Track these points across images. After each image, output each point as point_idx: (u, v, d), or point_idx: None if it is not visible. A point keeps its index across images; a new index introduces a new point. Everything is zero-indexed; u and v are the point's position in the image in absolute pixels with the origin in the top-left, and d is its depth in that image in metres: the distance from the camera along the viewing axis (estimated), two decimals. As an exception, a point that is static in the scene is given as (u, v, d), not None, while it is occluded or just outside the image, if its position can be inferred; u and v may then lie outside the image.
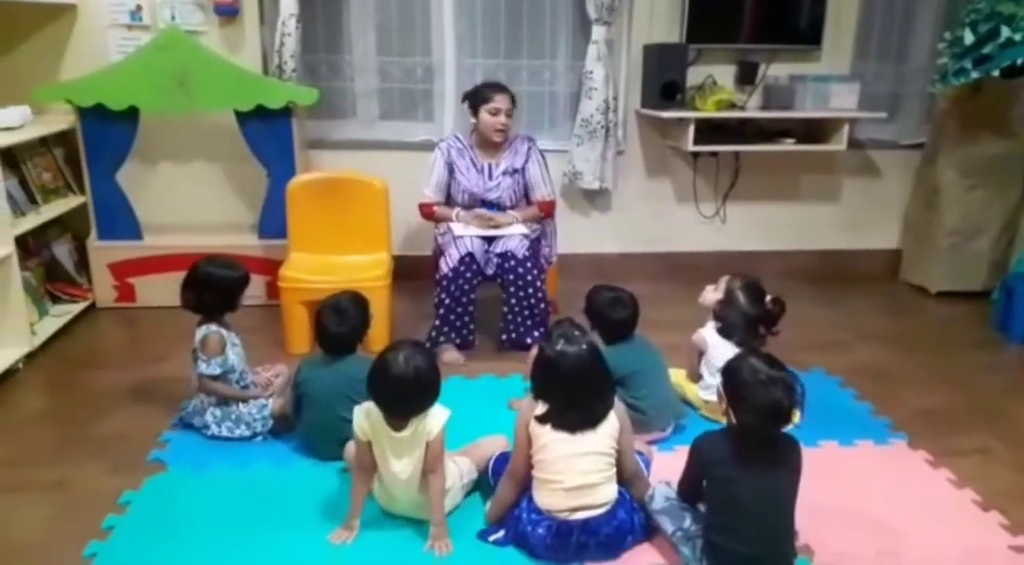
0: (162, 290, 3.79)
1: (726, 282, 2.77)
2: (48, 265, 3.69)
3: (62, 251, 3.81)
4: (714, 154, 4.19)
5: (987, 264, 4.08)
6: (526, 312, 3.27)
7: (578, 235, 4.23)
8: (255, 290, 3.77)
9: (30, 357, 3.20)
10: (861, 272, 4.45)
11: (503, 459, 2.21)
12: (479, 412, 2.68)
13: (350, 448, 2.27)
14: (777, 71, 4.13)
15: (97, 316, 3.75)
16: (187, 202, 4.00)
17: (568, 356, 1.98)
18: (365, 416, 2.07)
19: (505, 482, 2.12)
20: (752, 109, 4.12)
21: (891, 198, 4.46)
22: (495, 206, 3.43)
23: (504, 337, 3.32)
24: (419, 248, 4.02)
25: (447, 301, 3.21)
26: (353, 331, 2.46)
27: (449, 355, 3.24)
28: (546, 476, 2.00)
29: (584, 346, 2.00)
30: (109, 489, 2.32)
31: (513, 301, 3.25)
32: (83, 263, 3.85)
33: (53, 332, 3.42)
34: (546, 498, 2.00)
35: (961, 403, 2.96)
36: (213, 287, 2.56)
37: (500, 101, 3.31)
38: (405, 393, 2.01)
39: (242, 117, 3.65)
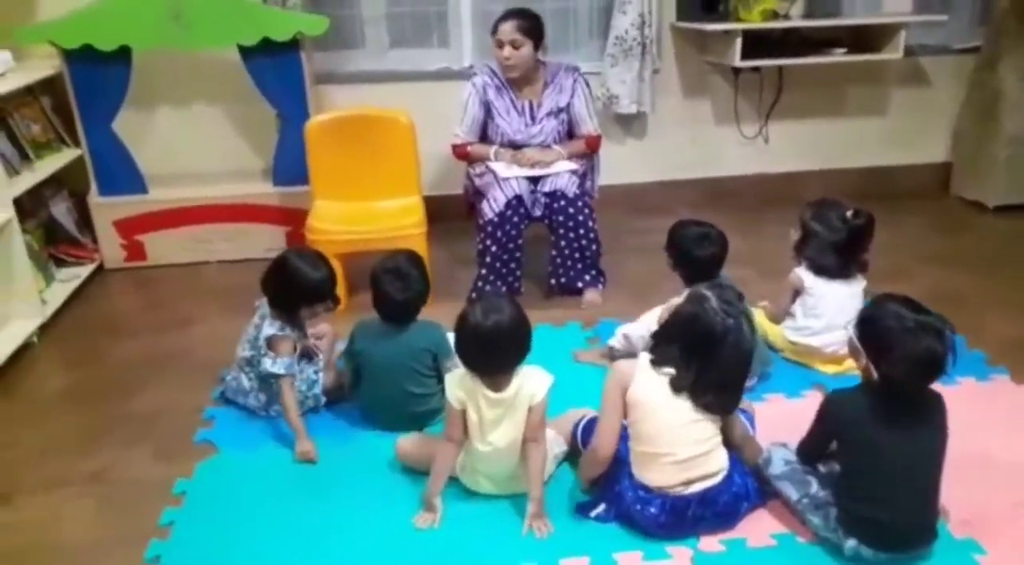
0: (175, 246, 3.53)
1: (799, 216, 2.54)
2: (47, 226, 3.40)
3: (60, 210, 3.50)
4: (756, 69, 3.88)
5: (1051, 174, 3.86)
6: (576, 254, 3.03)
7: (612, 164, 3.91)
8: (275, 242, 3.55)
9: (43, 329, 2.94)
10: (909, 188, 4.21)
11: (592, 426, 2.00)
12: (542, 366, 2.47)
13: (404, 445, 2.08)
14: (822, -26, 3.80)
15: (108, 278, 3.48)
16: (192, 149, 3.69)
17: (739, 342, 1.72)
18: (459, 383, 1.87)
19: (588, 458, 1.91)
20: (796, 17, 3.79)
21: (940, 108, 4.19)
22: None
23: (553, 282, 3.09)
24: (444, 187, 3.76)
25: (493, 248, 2.96)
26: (419, 296, 2.23)
27: (497, 305, 3.01)
28: (653, 450, 1.79)
29: (753, 335, 1.77)
30: (158, 478, 2.11)
31: (563, 243, 3.01)
32: (84, 221, 3.56)
33: (64, 299, 3.16)
34: (655, 474, 1.80)
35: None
36: (298, 285, 2.27)
37: (502, 32, 2.99)
38: (494, 348, 1.82)
39: (246, 52, 3.30)
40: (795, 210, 4.06)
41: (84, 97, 3.31)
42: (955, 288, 3.13)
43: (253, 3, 3.33)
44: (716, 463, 1.82)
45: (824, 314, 2.47)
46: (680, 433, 1.77)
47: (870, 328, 1.68)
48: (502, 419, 1.87)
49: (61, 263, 3.40)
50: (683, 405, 1.76)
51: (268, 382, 2.32)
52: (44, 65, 3.33)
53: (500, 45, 2.99)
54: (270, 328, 2.27)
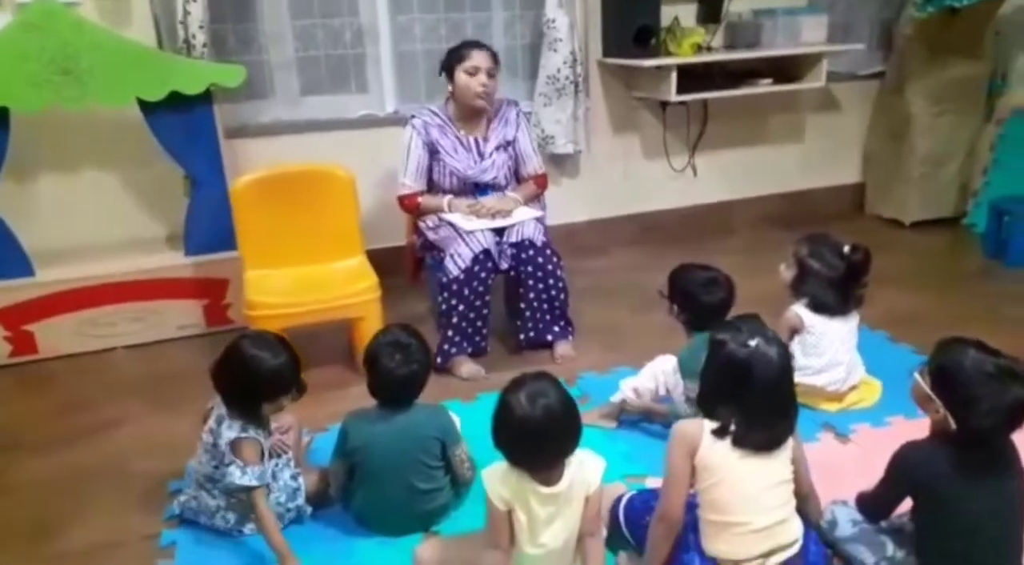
0: (71, 334, 3.06)
1: (793, 253, 2.47)
2: (-90, 324, 2.85)
3: (-76, 302, 2.95)
4: (683, 102, 3.86)
5: (956, 189, 4.06)
6: (546, 305, 2.84)
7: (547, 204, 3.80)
8: (191, 319, 3.16)
9: (-77, 454, 2.42)
10: (828, 210, 4.32)
11: (637, 506, 1.80)
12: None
13: (426, 555, 1.78)
14: (737, 7, 3.84)
15: (-7, 380, 2.95)
16: (85, 221, 3.24)
17: (768, 359, 1.57)
18: (502, 481, 1.61)
19: (657, 531, 1.69)
20: (719, 49, 3.81)
21: (851, 131, 4.34)
22: (489, 188, 2.95)
23: (522, 336, 2.88)
24: (375, 241, 3.45)
25: (460, 307, 2.72)
26: (423, 368, 1.96)
27: (467, 368, 2.77)
28: (727, 518, 1.60)
29: (782, 348, 1.61)
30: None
31: (532, 295, 2.81)
32: (-44, 314, 3.01)
33: (-57, 412, 2.63)
34: (729, 546, 1.60)
35: (1008, 346, 2.83)
36: (258, 376, 1.91)
37: (478, 58, 2.81)
38: (548, 439, 1.58)
39: (149, 108, 2.91)
40: (729, 240, 4.14)
41: (-50, 169, 2.82)
42: (913, 309, 3.17)
43: (157, 52, 2.96)
44: (793, 532, 1.65)
45: (825, 352, 2.40)
46: (758, 499, 1.60)
47: (948, 376, 1.58)
48: (555, 516, 1.63)
49: (-68, 366, 2.86)
50: (754, 468, 1.60)
51: (237, 497, 1.96)
52: None
53: (473, 73, 2.79)
54: (230, 431, 1.92)
